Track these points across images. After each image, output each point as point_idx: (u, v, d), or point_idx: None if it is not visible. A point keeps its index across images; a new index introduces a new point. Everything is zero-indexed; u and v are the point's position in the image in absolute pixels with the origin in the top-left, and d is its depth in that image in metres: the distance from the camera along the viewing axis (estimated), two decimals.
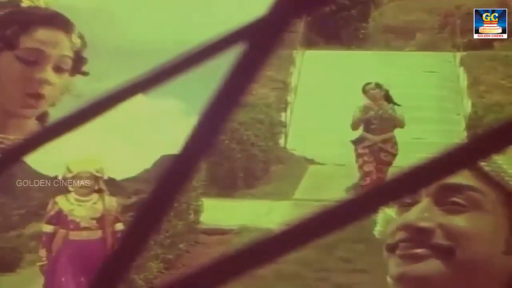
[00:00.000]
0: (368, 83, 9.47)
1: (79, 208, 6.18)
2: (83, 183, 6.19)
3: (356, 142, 9.48)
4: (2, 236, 8.79)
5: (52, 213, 6.23)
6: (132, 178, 8.22)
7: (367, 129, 9.35)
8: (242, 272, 0.28)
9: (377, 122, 9.26)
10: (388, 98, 9.39)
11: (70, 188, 6.22)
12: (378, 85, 9.39)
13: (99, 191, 6.28)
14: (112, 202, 6.31)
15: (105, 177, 6.34)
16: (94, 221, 6.18)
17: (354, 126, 9.35)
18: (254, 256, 0.28)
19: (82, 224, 6.17)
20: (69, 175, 6.18)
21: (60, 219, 6.18)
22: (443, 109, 13.98)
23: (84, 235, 6.16)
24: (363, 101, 9.36)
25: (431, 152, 0.32)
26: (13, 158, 0.35)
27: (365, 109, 9.32)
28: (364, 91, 9.37)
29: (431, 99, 14.29)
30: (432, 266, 0.99)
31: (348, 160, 10.05)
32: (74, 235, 6.16)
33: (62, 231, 6.16)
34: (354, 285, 7.17)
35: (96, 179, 6.24)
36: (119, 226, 6.21)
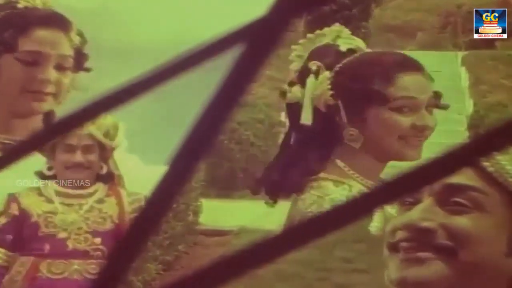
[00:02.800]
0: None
1: (66, 210, 2.50)
2: (76, 159, 2.41)
3: None
4: None
5: (4, 221, 2.46)
6: None
7: None
8: (242, 273, 0.27)
9: None
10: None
11: (47, 171, 2.45)
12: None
13: (109, 177, 2.53)
14: (135, 199, 2.57)
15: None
16: (99, 240, 2.47)
17: None
18: (254, 257, 0.27)
19: (72, 245, 2.47)
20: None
21: (22, 233, 2.47)
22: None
23: (74, 268, 2.44)
24: None
25: (433, 152, 0.32)
26: (13, 158, 0.35)
27: None
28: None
29: None
30: (434, 268, 0.99)
31: None
32: (52, 269, 2.44)
33: (24, 260, 2.43)
34: (354, 285, 7.16)
35: (103, 151, 2.46)
36: None
